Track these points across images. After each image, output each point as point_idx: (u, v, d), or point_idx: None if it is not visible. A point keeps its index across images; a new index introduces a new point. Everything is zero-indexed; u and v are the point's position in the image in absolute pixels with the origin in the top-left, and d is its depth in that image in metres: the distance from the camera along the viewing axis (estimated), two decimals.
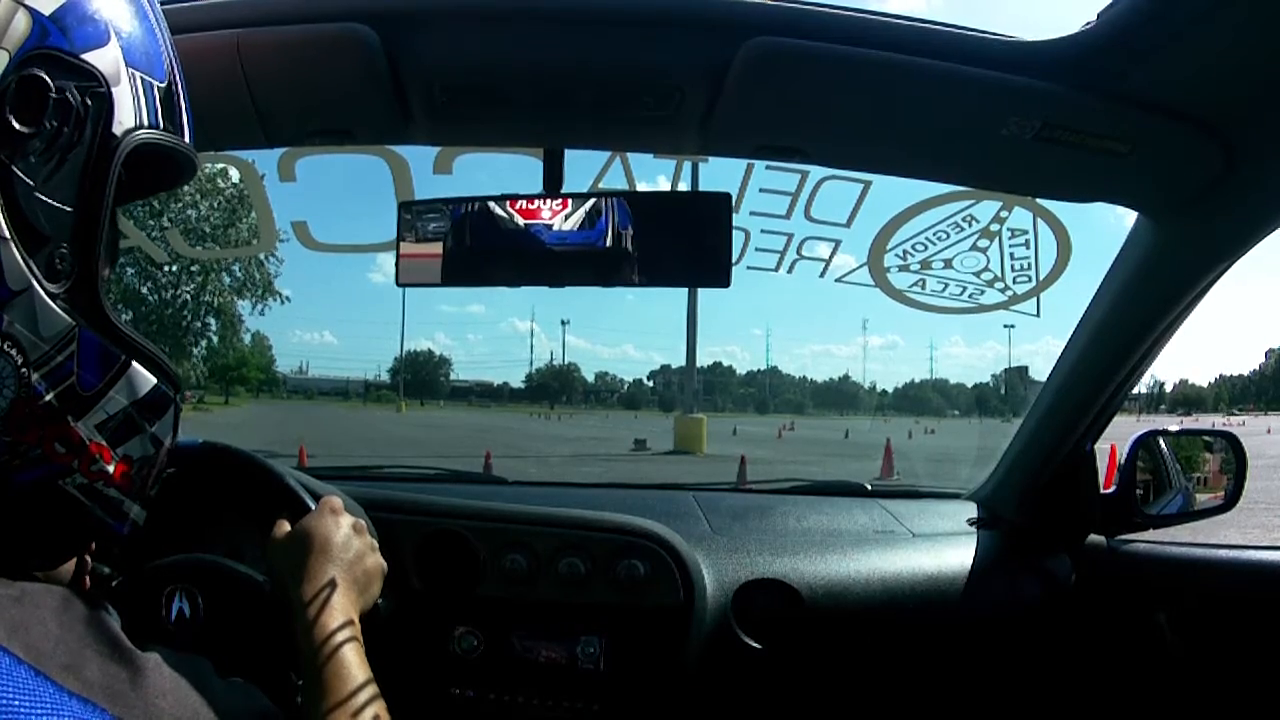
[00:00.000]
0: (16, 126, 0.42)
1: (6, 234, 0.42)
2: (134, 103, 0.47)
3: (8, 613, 0.38)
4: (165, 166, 0.54)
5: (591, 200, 0.88)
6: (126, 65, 0.47)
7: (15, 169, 0.42)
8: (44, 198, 0.43)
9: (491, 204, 0.89)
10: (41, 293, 0.43)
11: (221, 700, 0.45)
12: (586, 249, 0.88)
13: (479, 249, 0.90)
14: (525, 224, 0.89)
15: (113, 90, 0.46)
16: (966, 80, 0.76)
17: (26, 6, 0.43)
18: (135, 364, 0.48)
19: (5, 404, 0.42)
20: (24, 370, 0.42)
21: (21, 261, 0.42)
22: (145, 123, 0.48)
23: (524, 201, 0.89)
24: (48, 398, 0.43)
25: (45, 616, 0.40)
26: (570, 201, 0.88)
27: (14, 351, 0.42)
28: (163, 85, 0.50)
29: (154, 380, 0.49)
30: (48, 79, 0.43)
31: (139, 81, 0.48)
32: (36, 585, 0.43)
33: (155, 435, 0.50)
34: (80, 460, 0.45)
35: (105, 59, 0.46)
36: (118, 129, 0.46)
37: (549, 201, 0.89)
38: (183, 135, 0.52)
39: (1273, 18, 0.66)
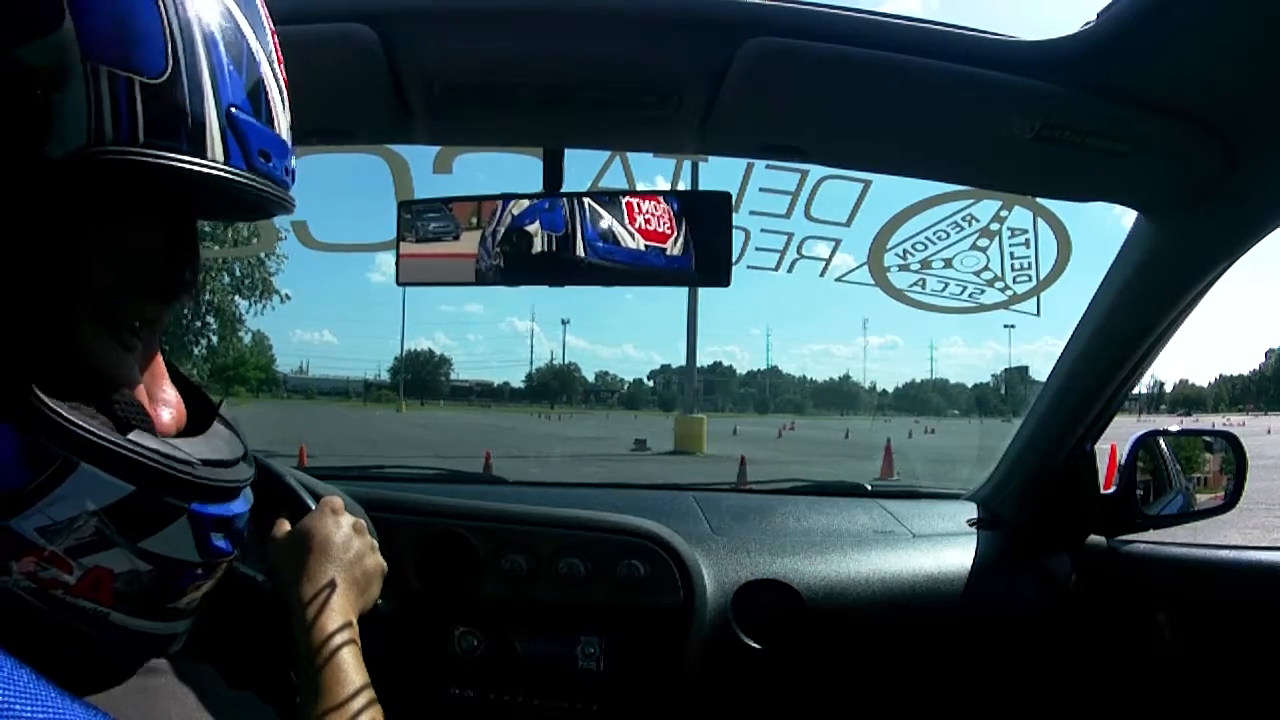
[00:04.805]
0: None
1: None
2: (91, 109, 0.34)
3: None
4: (208, 193, 0.40)
5: (684, 226, 0.88)
6: (86, 57, 0.34)
7: None
8: None
9: (607, 217, 0.88)
10: None
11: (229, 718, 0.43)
12: (678, 272, 0.88)
13: (511, 249, 0.89)
14: (647, 245, 0.88)
15: (54, 94, 0.34)
16: (966, 80, 0.76)
17: None
18: (86, 466, 0.36)
19: None
20: None
21: None
22: (111, 135, 0.34)
23: (644, 220, 0.88)
24: None
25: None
26: (675, 226, 0.87)
27: None
28: (157, 81, 0.36)
29: (126, 487, 0.37)
30: None
31: (106, 79, 0.34)
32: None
33: (149, 550, 0.39)
34: (17, 562, 0.36)
35: (48, 51, 0.33)
36: (58, 148, 0.34)
37: (669, 224, 0.88)
38: (200, 149, 0.37)
39: (1272, 17, 0.66)
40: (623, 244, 0.88)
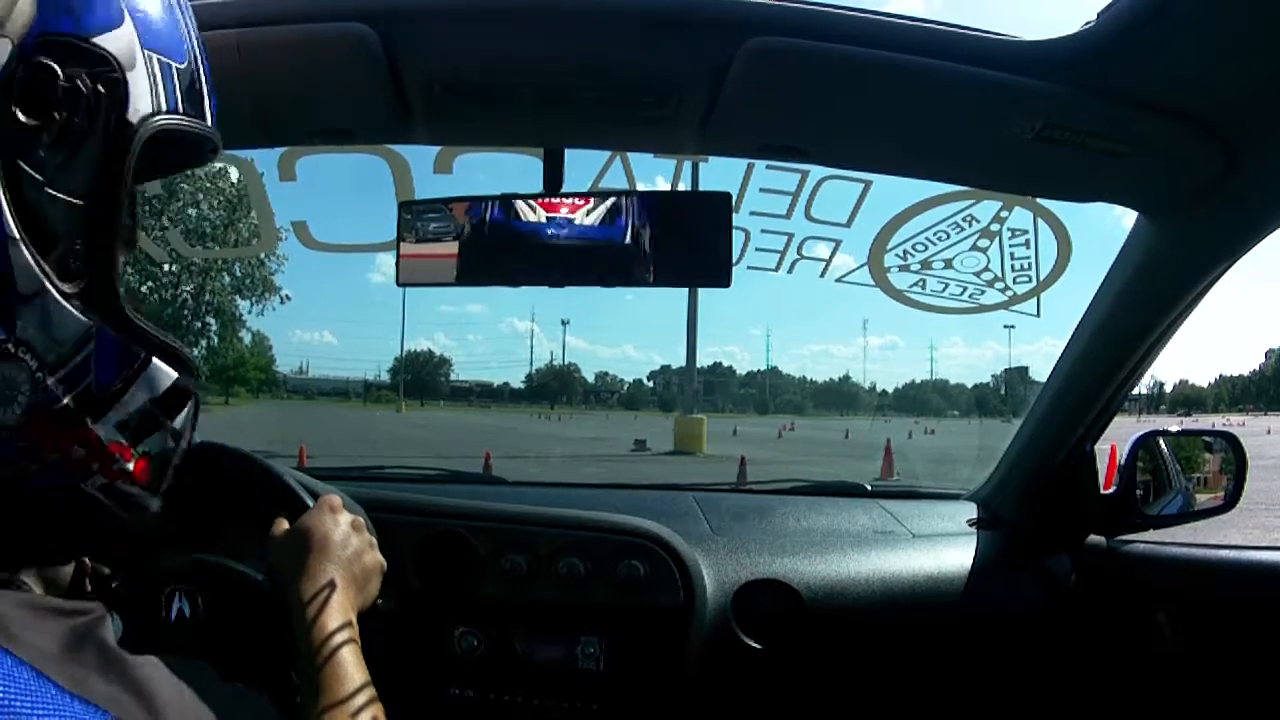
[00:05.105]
0: (24, 120, 0.39)
1: (16, 235, 0.40)
2: (151, 87, 0.45)
3: (9, 625, 0.37)
4: (186, 148, 0.52)
5: (613, 198, 0.89)
6: (143, 47, 0.44)
7: (23, 165, 0.40)
8: (55, 194, 0.41)
9: (515, 200, 0.90)
10: (55, 294, 0.41)
11: (225, 708, 0.44)
12: (604, 245, 0.89)
13: (496, 246, 0.91)
14: (548, 217, 0.89)
15: (127, 75, 0.44)
16: (966, 80, 0.76)
17: None
18: (155, 360, 0.47)
19: (20, 411, 0.40)
20: (39, 375, 0.41)
21: (33, 263, 0.40)
22: (164, 107, 0.46)
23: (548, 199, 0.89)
24: (65, 401, 0.42)
25: (47, 626, 0.39)
26: (593, 198, 0.89)
27: (28, 357, 0.40)
28: (183, 66, 0.48)
29: (174, 374, 0.48)
30: (56, 67, 0.40)
31: (156, 64, 0.45)
32: (35, 596, 0.43)
33: (175, 429, 0.49)
34: (101, 462, 0.44)
35: (119, 42, 0.43)
36: (133, 116, 0.44)
37: (572, 197, 0.89)
38: (205, 118, 0.50)
39: (1272, 18, 0.66)
40: (523, 218, 0.90)
